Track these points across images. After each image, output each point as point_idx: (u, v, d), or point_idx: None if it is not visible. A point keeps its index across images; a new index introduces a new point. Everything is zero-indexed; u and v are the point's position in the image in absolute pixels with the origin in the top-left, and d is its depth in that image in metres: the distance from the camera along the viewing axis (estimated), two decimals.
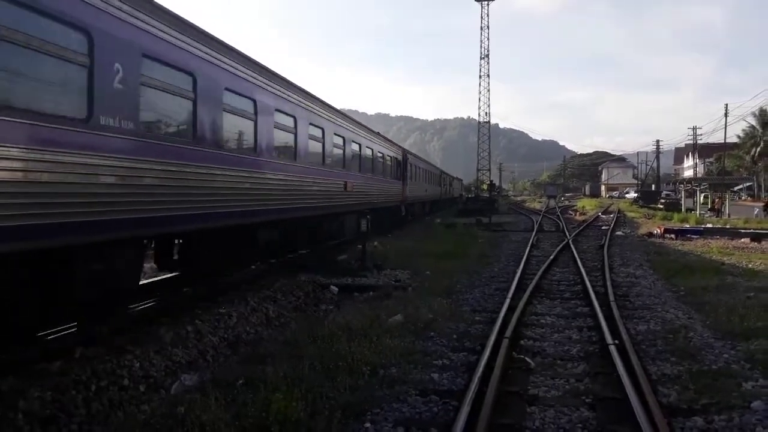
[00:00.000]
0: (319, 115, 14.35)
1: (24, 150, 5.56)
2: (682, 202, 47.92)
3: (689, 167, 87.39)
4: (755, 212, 37.44)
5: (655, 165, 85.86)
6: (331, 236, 16.68)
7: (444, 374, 6.51)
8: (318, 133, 14.25)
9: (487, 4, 65.52)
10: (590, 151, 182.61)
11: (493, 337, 7.34)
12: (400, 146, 29.55)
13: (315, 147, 14.09)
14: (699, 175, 69.13)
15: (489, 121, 67.30)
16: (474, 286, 12.26)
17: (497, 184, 67.48)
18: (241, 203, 9.96)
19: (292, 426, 4.86)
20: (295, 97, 12.76)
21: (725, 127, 61.67)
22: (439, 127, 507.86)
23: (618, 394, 5.70)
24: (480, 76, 65.44)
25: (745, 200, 52.50)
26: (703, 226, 28.44)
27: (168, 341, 7.47)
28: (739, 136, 69.40)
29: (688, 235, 24.49)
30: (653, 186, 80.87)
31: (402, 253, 17.10)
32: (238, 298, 10.03)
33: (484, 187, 60.92)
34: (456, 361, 7.05)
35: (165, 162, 7.77)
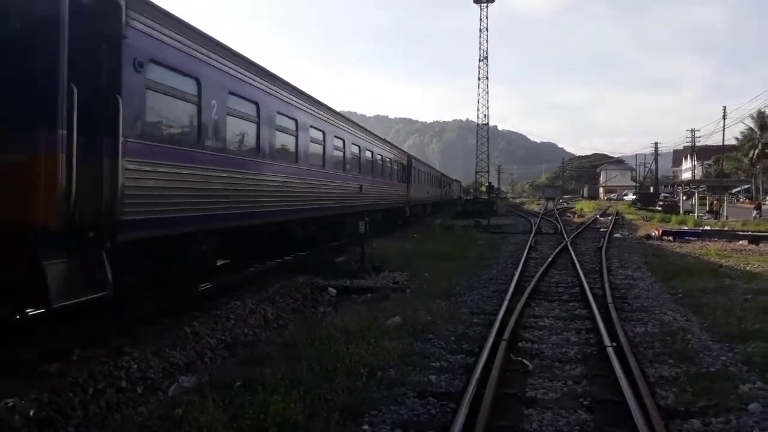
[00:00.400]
0: (340, 128, 16.61)
1: (170, 166, 7.87)
2: (680, 204, 47.97)
3: (687, 169, 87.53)
4: (753, 214, 37.52)
5: (653, 167, 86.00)
6: (347, 233, 18.17)
7: (442, 376, 6.50)
8: (340, 143, 16.50)
9: (486, 6, 65.48)
10: (589, 153, 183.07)
11: (491, 339, 7.35)
12: (405, 152, 31.87)
13: (338, 155, 16.35)
14: (697, 178, 69.23)
15: (488, 124, 67.24)
16: (472, 288, 12.26)
17: (496, 186, 67.46)
18: (288, 203, 12.34)
19: (290, 428, 4.86)
20: (324, 114, 15.12)
21: (723, 130, 61.83)
22: (438, 129, 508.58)
23: (616, 397, 5.70)
24: (479, 78, 65.42)
25: (743, 202, 52.58)
26: (701, 228, 28.48)
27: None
28: (737, 139, 69.59)
29: (686, 237, 24.54)
30: (651, 188, 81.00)
31: (400, 254, 17.10)
32: (236, 299, 10.02)
33: (483, 189, 60.95)
34: (454, 363, 7.04)
35: (241, 171, 10.02)
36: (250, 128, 10.60)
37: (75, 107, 6.00)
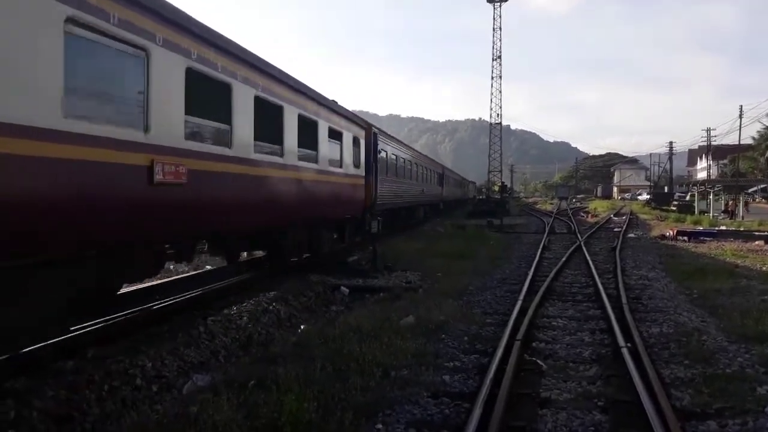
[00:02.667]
0: (414, 156, 29.92)
1: (386, 184, 21.37)
2: (695, 204, 47.50)
3: (703, 169, 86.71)
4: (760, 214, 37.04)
5: (668, 166, 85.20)
6: (416, 217, 31.73)
7: (455, 376, 6.49)
8: (416, 166, 29.62)
9: (500, 6, 65.43)
10: (603, 152, 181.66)
11: (504, 339, 7.33)
12: (440, 163, 44.55)
13: (416, 173, 29.58)
14: (712, 177, 68.56)
15: (501, 123, 67.10)
16: (485, 288, 12.22)
17: (509, 185, 67.28)
18: (404, 199, 25.73)
19: (304, 427, 4.87)
20: (412, 152, 30.21)
21: (740, 129, 61.15)
22: (451, 128, 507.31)
23: (631, 398, 5.66)
24: (492, 78, 65.33)
25: (758, 202, 51.99)
26: (716, 228, 28.19)
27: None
28: (753, 138, 68.88)
29: (701, 238, 24.28)
30: (666, 188, 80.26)
31: (413, 254, 17.11)
32: (249, 298, 10.06)
33: (496, 188, 60.81)
34: (467, 363, 7.03)
35: (400, 184, 24.71)
36: (395, 165, 23.38)
37: (373, 168, 18.15)
